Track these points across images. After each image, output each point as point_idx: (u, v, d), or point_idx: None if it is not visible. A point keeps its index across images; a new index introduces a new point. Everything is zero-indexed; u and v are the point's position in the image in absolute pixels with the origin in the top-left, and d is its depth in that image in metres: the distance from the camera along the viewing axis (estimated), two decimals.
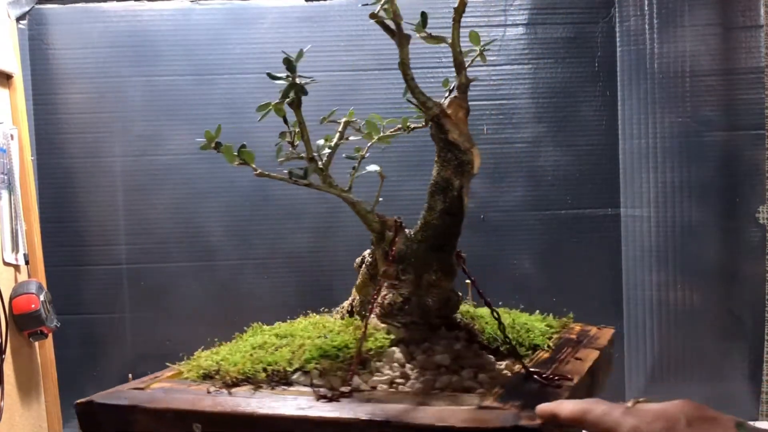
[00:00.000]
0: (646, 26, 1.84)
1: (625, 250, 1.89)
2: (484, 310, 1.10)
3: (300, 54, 0.94)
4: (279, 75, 0.93)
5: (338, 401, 0.76)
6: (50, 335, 1.72)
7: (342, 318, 1.09)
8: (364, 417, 0.72)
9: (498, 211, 1.89)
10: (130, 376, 1.72)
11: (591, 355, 0.99)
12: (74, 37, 1.87)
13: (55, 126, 1.87)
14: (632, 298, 1.89)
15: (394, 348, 0.92)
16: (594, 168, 1.89)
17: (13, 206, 1.66)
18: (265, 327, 1.09)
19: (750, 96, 1.81)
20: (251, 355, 0.91)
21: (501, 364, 0.91)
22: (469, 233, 1.90)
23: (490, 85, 1.88)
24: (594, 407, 0.63)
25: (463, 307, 1.12)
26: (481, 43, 1.02)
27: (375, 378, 0.85)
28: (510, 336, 0.95)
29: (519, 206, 1.89)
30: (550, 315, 1.25)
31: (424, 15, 0.95)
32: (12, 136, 1.68)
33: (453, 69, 1.00)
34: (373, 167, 1.01)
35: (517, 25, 1.88)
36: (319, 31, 1.87)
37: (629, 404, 0.62)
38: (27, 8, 1.84)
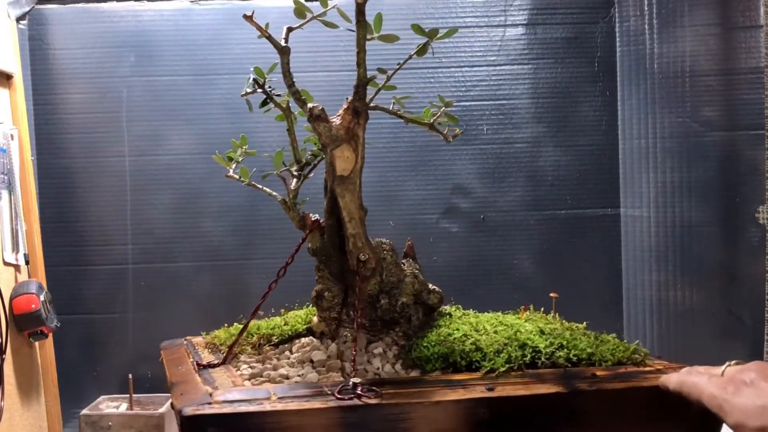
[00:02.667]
0: (646, 26, 1.84)
1: (625, 250, 1.89)
2: (484, 317, 1.09)
3: (273, 67, 1.00)
4: (248, 90, 1.03)
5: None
6: (50, 335, 1.72)
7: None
8: None
9: (498, 211, 1.89)
10: (130, 376, 1.73)
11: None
12: (74, 37, 1.87)
13: (55, 126, 1.88)
14: (632, 298, 1.89)
15: (302, 339, 1.02)
16: (594, 168, 1.89)
17: (13, 206, 1.66)
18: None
19: (750, 96, 1.81)
20: None
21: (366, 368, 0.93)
22: (469, 233, 1.91)
23: (490, 85, 1.88)
24: (687, 379, 0.75)
25: (450, 309, 1.12)
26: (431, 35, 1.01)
27: (243, 364, 0.95)
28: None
29: (519, 206, 1.89)
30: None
31: (378, 16, 0.95)
32: (12, 136, 1.68)
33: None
34: None
35: (517, 25, 1.88)
36: (319, 31, 1.86)
37: (722, 369, 0.73)
38: (27, 8, 1.84)
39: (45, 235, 1.80)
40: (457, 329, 0.98)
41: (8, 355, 1.56)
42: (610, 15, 1.87)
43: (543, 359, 0.88)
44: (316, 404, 0.75)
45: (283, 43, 1.01)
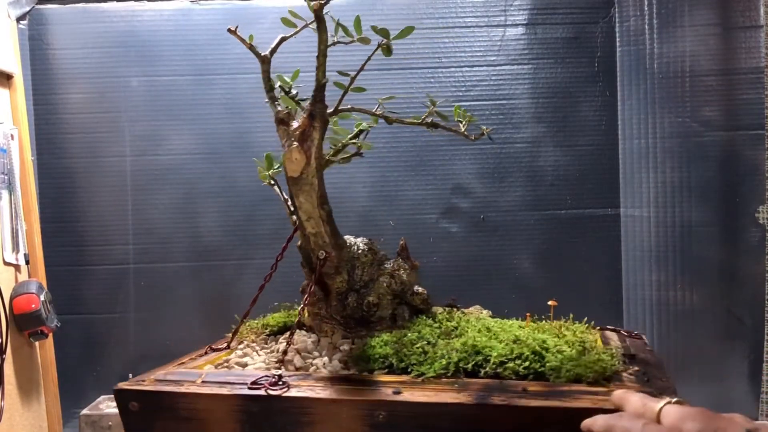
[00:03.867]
0: (646, 26, 1.84)
1: (625, 250, 1.89)
2: (482, 322, 1.10)
3: (296, 74, 1.06)
4: (278, 96, 1.05)
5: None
6: (50, 335, 1.72)
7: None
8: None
9: (498, 211, 1.89)
10: (130, 376, 1.73)
11: None
12: (74, 37, 1.87)
13: (55, 126, 1.88)
14: (632, 298, 1.89)
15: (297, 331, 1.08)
16: (594, 168, 1.89)
17: (13, 206, 1.66)
18: None
19: (750, 96, 1.81)
20: None
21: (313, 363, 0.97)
22: (469, 233, 1.91)
23: (490, 85, 1.88)
24: (617, 424, 0.67)
25: (443, 312, 1.13)
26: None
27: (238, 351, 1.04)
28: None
29: (519, 206, 1.89)
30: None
31: (357, 20, 0.97)
32: (12, 136, 1.68)
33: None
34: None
35: (517, 25, 1.88)
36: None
37: (659, 405, 0.67)
38: (27, 8, 1.84)
39: (45, 235, 1.80)
40: (419, 332, 0.97)
41: (8, 355, 1.56)
42: (610, 15, 1.87)
43: (488, 369, 0.86)
44: (223, 391, 0.82)
45: (269, 51, 1.03)
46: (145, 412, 0.87)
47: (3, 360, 1.52)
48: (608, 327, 1.15)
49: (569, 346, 0.93)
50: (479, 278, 1.88)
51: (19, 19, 1.82)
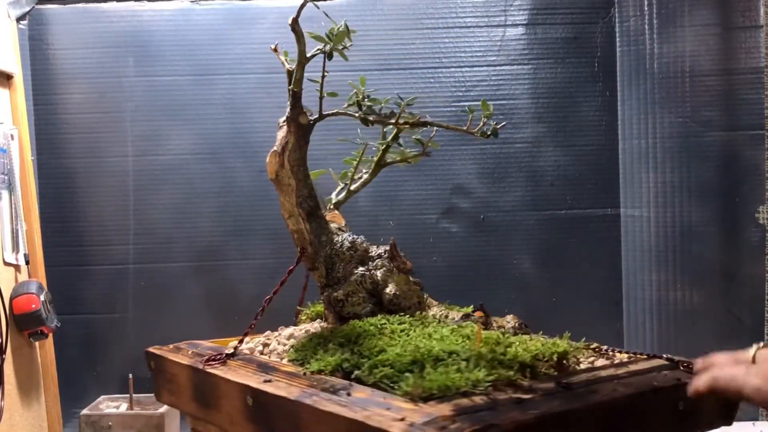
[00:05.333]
0: (646, 26, 1.84)
1: (625, 250, 1.89)
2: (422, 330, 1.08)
3: (363, 81, 1.10)
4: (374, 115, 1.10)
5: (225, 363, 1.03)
6: (50, 335, 1.72)
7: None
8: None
9: (498, 211, 1.89)
10: (130, 376, 1.73)
11: None
12: (74, 37, 1.87)
13: (55, 126, 1.88)
14: (632, 298, 1.89)
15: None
16: (594, 168, 1.89)
17: (13, 206, 1.66)
18: None
19: (750, 96, 1.81)
20: None
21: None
22: (469, 233, 1.91)
23: (490, 85, 1.88)
24: (720, 375, 0.70)
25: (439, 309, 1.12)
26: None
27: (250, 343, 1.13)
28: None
29: (519, 206, 1.89)
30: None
31: (341, 34, 1.08)
32: (12, 136, 1.68)
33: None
34: None
35: (517, 25, 1.88)
36: (319, 31, 1.87)
37: (751, 353, 0.70)
38: (27, 8, 1.84)
39: (45, 235, 1.80)
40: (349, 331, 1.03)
41: (8, 355, 1.56)
42: (610, 15, 1.87)
43: (360, 372, 0.87)
44: (184, 360, 1.07)
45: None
46: (155, 371, 1.16)
47: (3, 360, 1.52)
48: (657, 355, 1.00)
49: (466, 363, 0.84)
50: (479, 278, 1.88)
51: (19, 19, 1.82)
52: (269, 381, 0.90)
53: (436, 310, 1.10)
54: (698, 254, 1.85)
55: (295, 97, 1.07)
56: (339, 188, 1.22)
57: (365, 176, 1.21)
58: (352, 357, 0.90)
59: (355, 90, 1.10)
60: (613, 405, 0.79)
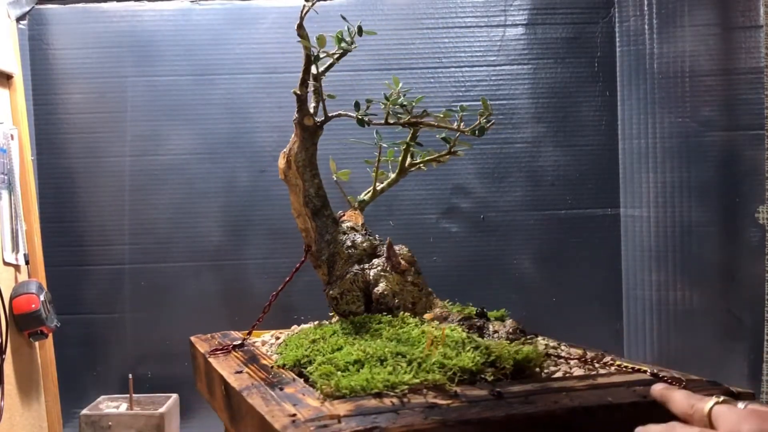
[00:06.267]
0: (646, 26, 1.84)
1: (624, 250, 1.89)
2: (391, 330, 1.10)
3: (396, 81, 1.13)
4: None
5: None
6: (50, 335, 1.72)
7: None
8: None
9: (498, 211, 1.89)
10: (130, 376, 1.73)
11: None
12: (74, 37, 1.87)
13: (55, 126, 1.88)
14: (632, 298, 1.89)
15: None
16: (594, 168, 1.89)
17: (13, 206, 1.66)
18: None
19: (750, 96, 1.81)
20: None
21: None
22: (469, 233, 1.91)
23: (490, 85, 1.88)
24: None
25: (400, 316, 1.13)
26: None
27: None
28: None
29: (519, 206, 1.89)
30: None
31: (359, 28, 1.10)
32: (12, 136, 1.68)
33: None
34: None
35: (517, 25, 1.88)
36: (319, 31, 1.87)
37: (707, 406, 0.64)
38: (27, 8, 1.84)
39: (45, 235, 1.80)
40: (325, 329, 1.06)
41: (8, 355, 1.56)
42: (610, 15, 1.87)
43: (310, 369, 0.90)
44: (202, 348, 1.17)
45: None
46: (191, 357, 1.28)
47: (3, 360, 1.52)
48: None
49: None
50: (479, 278, 1.88)
51: (19, 19, 1.82)
52: (240, 372, 0.96)
53: (438, 311, 1.10)
54: (698, 254, 1.84)
55: (300, 100, 1.11)
56: (369, 189, 1.25)
57: (392, 176, 1.23)
58: (311, 353, 0.92)
59: (390, 89, 1.13)
60: (544, 418, 0.73)
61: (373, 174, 1.21)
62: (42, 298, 1.62)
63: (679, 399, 0.69)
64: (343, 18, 1.08)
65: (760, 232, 1.82)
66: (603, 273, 1.89)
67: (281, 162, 1.14)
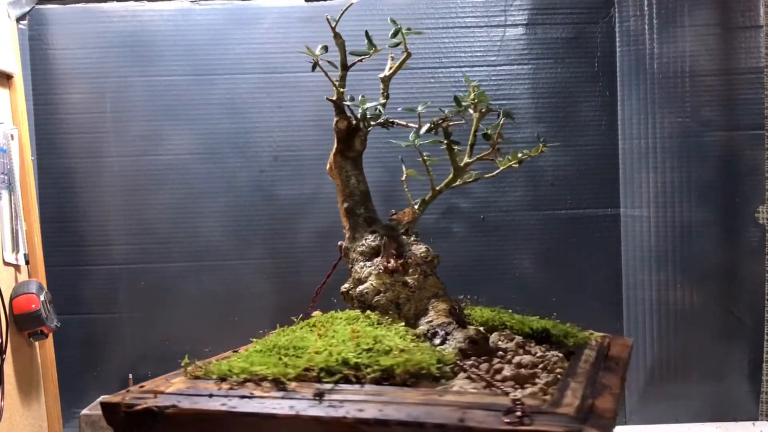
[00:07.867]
0: (646, 26, 1.84)
1: (624, 250, 1.89)
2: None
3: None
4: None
5: None
6: (50, 335, 1.72)
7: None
8: None
9: (498, 211, 1.89)
10: (130, 376, 1.73)
11: None
12: (74, 37, 1.87)
13: (55, 126, 1.88)
14: (632, 298, 1.89)
15: None
16: (594, 168, 1.89)
17: (13, 206, 1.66)
18: None
19: (750, 96, 1.81)
20: None
21: None
22: (469, 233, 1.91)
23: (490, 85, 1.88)
24: None
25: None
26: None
27: None
28: None
29: (519, 206, 1.89)
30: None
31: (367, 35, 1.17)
32: (12, 136, 1.68)
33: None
34: None
35: (517, 25, 1.88)
36: (319, 31, 1.87)
37: None
38: (27, 8, 1.84)
39: (45, 235, 1.80)
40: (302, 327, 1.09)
41: (8, 355, 1.56)
42: (610, 15, 1.87)
43: None
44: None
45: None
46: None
47: (3, 360, 1.52)
48: None
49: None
50: (479, 278, 1.88)
51: (19, 19, 1.82)
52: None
53: (434, 314, 1.11)
54: (698, 254, 1.85)
55: (335, 105, 1.19)
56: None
57: (450, 176, 1.28)
58: (267, 343, 0.99)
59: (471, 87, 1.21)
60: (331, 422, 0.73)
61: (431, 174, 1.28)
62: (42, 298, 1.62)
63: None
64: (393, 21, 1.12)
65: (760, 232, 1.82)
66: (603, 273, 1.89)
67: (329, 161, 1.22)
